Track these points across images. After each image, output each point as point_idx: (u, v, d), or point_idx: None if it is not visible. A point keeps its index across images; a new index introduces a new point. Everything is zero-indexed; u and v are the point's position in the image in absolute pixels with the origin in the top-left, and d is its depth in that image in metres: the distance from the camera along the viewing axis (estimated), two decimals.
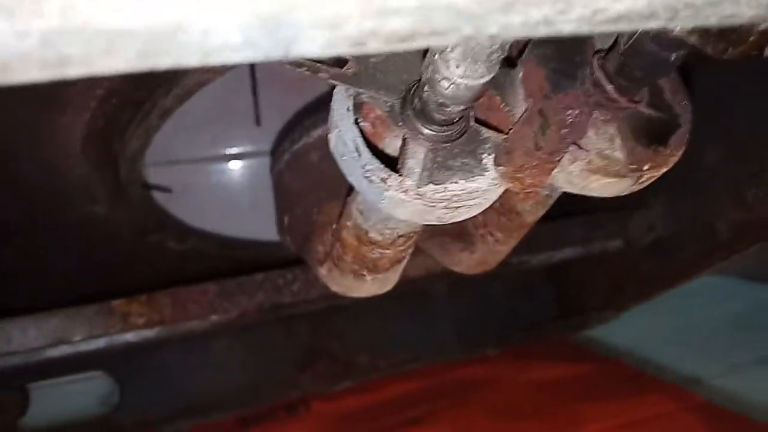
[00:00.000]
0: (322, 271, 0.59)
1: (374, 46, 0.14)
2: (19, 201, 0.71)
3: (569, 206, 0.59)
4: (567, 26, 0.15)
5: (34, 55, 0.13)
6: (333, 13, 0.13)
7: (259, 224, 1.01)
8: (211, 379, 1.22)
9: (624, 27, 0.16)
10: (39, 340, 0.68)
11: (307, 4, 0.13)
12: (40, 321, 0.68)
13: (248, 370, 1.25)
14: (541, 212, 0.53)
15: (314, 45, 0.13)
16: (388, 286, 0.57)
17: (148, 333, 0.70)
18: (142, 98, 0.59)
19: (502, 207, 0.53)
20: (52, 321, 0.69)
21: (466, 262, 0.66)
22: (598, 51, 0.39)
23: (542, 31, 0.15)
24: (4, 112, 0.54)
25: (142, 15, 0.13)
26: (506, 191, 0.38)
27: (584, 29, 0.16)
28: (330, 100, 0.39)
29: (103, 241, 0.82)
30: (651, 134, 0.42)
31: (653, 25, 0.16)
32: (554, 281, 1.48)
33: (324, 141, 0.59)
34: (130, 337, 0.70)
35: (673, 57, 0.33)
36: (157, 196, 1.01)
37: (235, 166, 1.15)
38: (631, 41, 0.34)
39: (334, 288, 0.59)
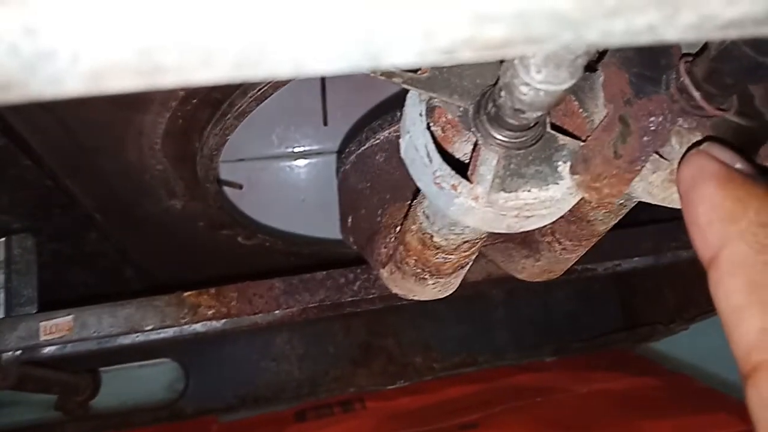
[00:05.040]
0: (384, 272, 0.59)
1: (467, 55, 0.13)
2: (103, 193, 0.75)
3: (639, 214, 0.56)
4: (672, 34, 0.14)
5: (130, 65, 0.13)
6: (425, 23, 0.13)
7: (323, 222, 1.03)
8: (271, 371, 1.26)
9: (734, 33, 0.15)
10: (113, 328, 0.71)
11: (399, 15, 0.13)
12: (115, 310, 0.72)
13: (307, 364, 1.27)
14: (614, 221, 0.51)
15: (405, 55, 0.13)
16: (449, 291, 0.57)
17: (216, 324, 0.72)
18: (220, 99, 0.61)
19: (572, 215, 0.51)
20: (126, 310, 0.72)
21: (530, 269, 0.64)
22: (685, 54, 0.37)
23: (645, 39, 0.14)
24: (92, 109, 0.57)
25: (238, 27, 0.13)
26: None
27: (689, 36, 0.15)
28: (397, 102, 0.39)
29: (178, 234, 0.86)
30: (739, 145, 0.39)
31: None
32: (619, 290, 1.43)
33: (390, 142, 0.59)
34: (198, 327, 0.72)
35: None
36: (228, 191, 1.04)
37: (301, 164, 1.17)
38: (724, 45, 0.32)
39: (395, 290, 0.59)
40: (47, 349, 0.74)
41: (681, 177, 0.30)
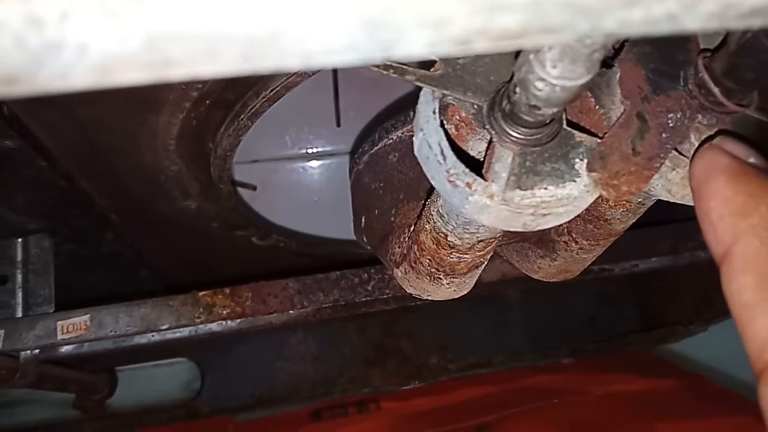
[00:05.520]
0: (398, 272, 0.59)
1: (480, 46, 0.13)
2: (118, 194, 0.75)
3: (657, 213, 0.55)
4: (692, 23, 0.14)
5: (137, 57, 0.13)
6: (437, 12, 0.13)
7: (336, 222, 1.03)
8: (286, 371, 1.26)
9: (757, 22, 0.14)
10: (129, 327, 0.71)
11: (410, 4, 0.13)
12: (131, 309, 0.72)
13: (321, 364, 1.27)
14: (632, 220, 0.50)
15: (417, 46, 0.13)
16: (464, 291, 0.56)
17: (231, 324, 0.72)
18: (233, 100, 0.61)
19: (589, 214, 0.50)
20: (142, 309, 0.72)
21: (546, 269, 0.64)
22: (704, 50, 0.36)
23: (664, 28, 0.13)
24: (107, 110, 0.58)
25: (245, 18, 0.13)
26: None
27: (711, 25, 0.14)
28: (409, 102, 0.38)
29: (193, 235, 0.86)
30: (760, 141, 0.38)
31: None
32: (637, 291, 1.41)
33: (403, 142, 0.59)
34: (213, 327, 0.73)
35: None
36: (241, 192, 1.05)
37: (314, 165, 1.17)
38: (744, 39, 0.32)
39: (410, 290, 0.59)
40: (64, 348, 0.75)
41: (693, 172, 0.30)
